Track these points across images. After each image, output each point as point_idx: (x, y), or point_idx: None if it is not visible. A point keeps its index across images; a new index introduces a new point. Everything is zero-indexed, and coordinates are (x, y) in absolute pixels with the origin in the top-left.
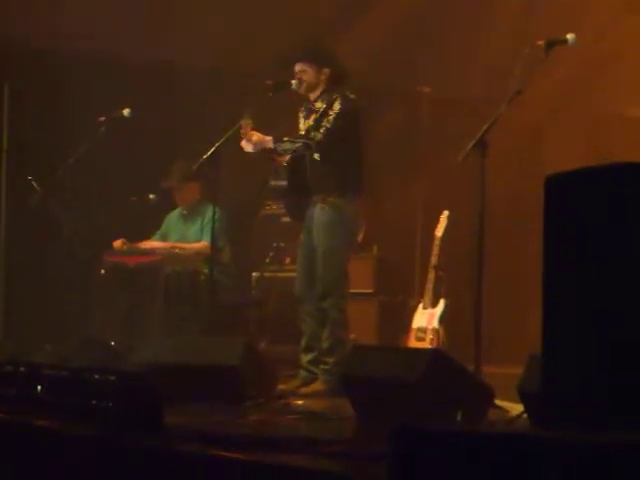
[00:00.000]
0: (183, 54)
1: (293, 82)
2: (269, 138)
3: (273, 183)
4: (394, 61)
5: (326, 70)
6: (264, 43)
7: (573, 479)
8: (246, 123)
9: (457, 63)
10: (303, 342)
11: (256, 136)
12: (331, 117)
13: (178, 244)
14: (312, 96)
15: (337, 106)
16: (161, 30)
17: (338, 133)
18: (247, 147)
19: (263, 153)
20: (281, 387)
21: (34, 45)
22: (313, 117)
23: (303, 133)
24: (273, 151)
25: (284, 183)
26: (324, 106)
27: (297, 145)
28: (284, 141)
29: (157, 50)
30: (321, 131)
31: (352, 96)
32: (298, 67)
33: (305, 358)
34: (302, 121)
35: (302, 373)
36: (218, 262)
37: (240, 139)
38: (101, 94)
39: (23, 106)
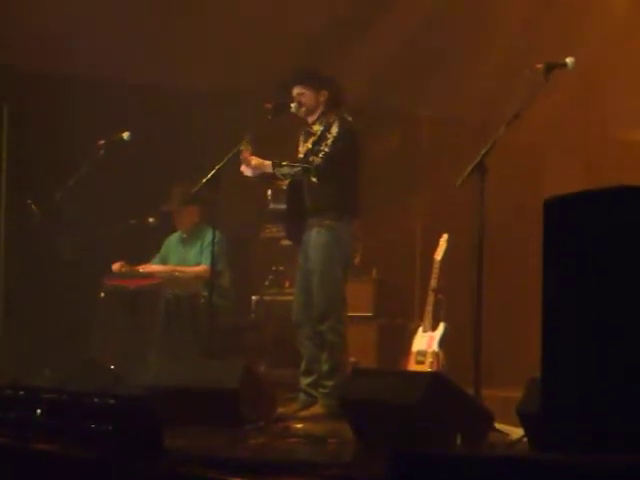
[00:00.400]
0: (182, 77)
1: (292, 105)
2: (268, 163)
3: (273, 207)
4: (393, 83)
5: (324, 93)
6: (263, 66)
7: None
8: (245, 148)
9: (456, 86)
10: (302, 365)
11: (255, 160)
12: (329, 141)
13: (178, 267)
14: (310, 119)
15: (335, 129)
16: (160, 53)
17: (336, 157)
18: (246, 172)
19: (262, 177)
20: (281, 410)
21: (34, 67)
22: (311, 140)
23: (302, 157)
24: (272, 176)
25: (284, 206)
26: (322, 129)
27: (296, 170)
28: (283, 165)
29: (156, 73)
30: (320, 155)
31: (350, 118)
32: (297, 90)
33: (304, 381)
34: (301, 144)
35: (302, 396)
36: (217, 285)
37: (239, 163)
38: (101, 117)
39: (22, 128)
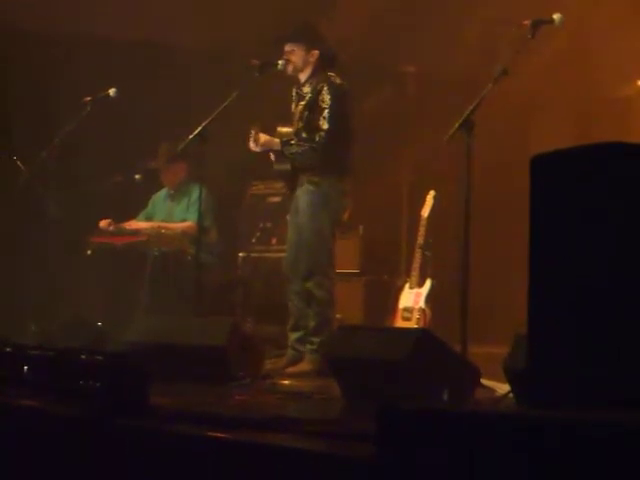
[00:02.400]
0: (170, 34)
1: (279, 62)
2: (277, 141)
3: (277, 167)
4: (380, 40)
5: (315, 52)
6: (250, 23)
7: (558, 458)
8: (255, 128)
9: (443, 42)
10: (291, 321)
11: (264, 138)
12: (325, 113)
13: (163, 224)
14: (301, 77)
15: (326, 97)
16: (147, 10)
17: (336, 127)
18: (255, 148)
19: (269, 152)
20: (268, 364)
21: (19, 25)
22: (302, 104)
23: (303, 132)
24: (279, 152)
25: (287, 166)
26: (310, 94)
27: (303, 149)
28: (291, 144)
29: (143, 30)
30: (323, 135)
31: (338, 81)
32: (288, 47)
33: (292, 336)
34: (294, 105)
35: (290, 351)
36: (204, 242)
37: (248, 140)
38: (87, 74)
39: (8, 86)
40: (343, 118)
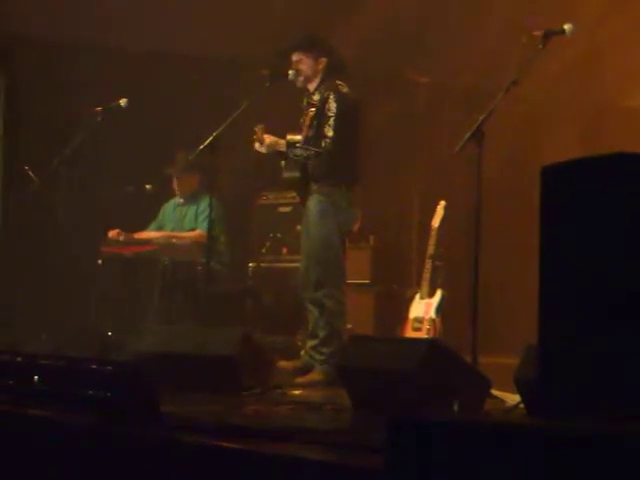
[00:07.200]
0: (181, 44)
1: (290, 72)
2: (282, 141)
3: (287, 175)
4: (390, 50)
5: (323, 60)
6: (261, 32)
7: (568, 468)
8: (259, 128)
9: (453, 52)
10: (309, 328)
11: (269, 139)
12: (331, 120)
13: (173, 233)
14: (310, 87)
15: (333, 105)
16: (159, 20)
17: (342, 134)
18: (260, 149)
19: (275, 154)
20: (282, 364)
21: (31, 34)
22: (312, 111)
23: (309, 134)
24: (285, 154)
25: (297, 174)
26: (319, 103)
27: (309, 153)
28: (297, 147)
29: (155, 40)
30: (328, 141)
31: (345, 90)
32: (295, 57)
33: (309, 344)
34: (304, 112)
35: (304, 357)
36: (214, 251)
37: (253, 142)
38: (98, 84)
39: (20, 95)
40: (349, 126)
